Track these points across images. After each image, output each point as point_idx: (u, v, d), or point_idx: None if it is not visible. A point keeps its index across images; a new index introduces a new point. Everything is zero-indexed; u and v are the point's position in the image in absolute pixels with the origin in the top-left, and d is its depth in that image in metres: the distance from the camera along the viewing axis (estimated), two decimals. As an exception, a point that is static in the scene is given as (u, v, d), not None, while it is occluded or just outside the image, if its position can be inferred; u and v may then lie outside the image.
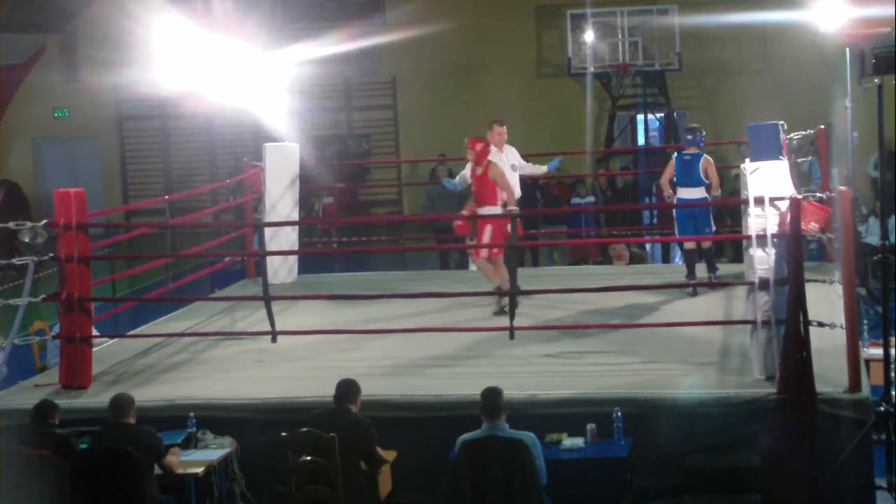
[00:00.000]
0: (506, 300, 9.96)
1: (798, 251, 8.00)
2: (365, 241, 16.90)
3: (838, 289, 8.59)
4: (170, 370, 9.68)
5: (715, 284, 11.37)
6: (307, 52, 19.44)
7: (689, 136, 11.71)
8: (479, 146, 10.72)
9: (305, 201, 16.90)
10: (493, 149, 10.93)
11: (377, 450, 7.48)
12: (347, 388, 7.61)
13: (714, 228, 11.60)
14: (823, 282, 9.49)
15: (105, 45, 21.48)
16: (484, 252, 10.66)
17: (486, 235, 10.58)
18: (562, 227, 18.15)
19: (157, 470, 7.52)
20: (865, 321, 9.52)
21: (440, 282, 12.89)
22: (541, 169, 11.78)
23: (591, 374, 8.83)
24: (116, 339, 10.69)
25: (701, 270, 11.65)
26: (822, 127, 12.94)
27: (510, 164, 11.15)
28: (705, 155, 11.51)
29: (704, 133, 11.76)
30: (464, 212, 11.05)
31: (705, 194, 11.47)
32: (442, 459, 7.37)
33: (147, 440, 7.45)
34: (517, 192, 11.08)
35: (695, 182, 11.46)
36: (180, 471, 7.64)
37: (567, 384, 8.47)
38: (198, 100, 17.64)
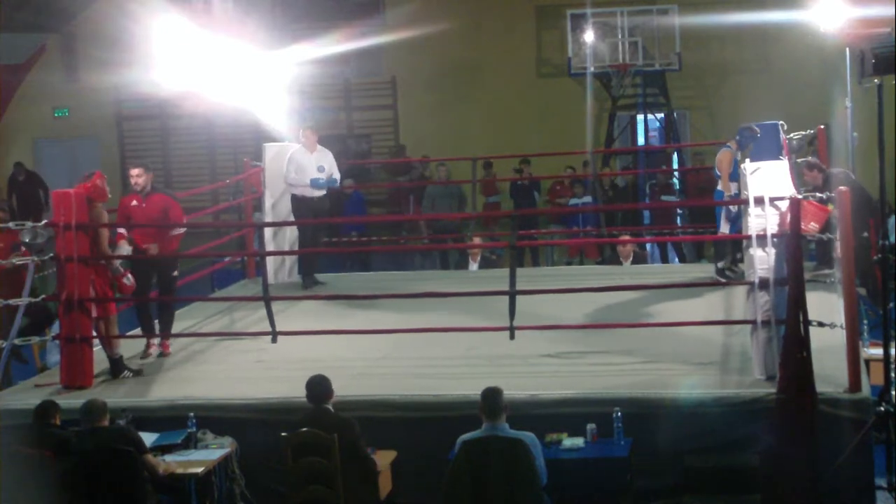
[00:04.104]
0: (126, 372, 9.42)
1: (798, 251, 8.01)
2: (365, 241, 16.90)
3: (838, 289, 8.59)
4: (170, 370, 9.68)
5: (714, 284, 11.38)
6: (307, 52, 19.43)
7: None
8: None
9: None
10: (301, 147, 12.55)
11: (363, 447, 7.43)
12: (321, 388, 7.55)
13: (720, 226, 11.52)
14: (823, 282, 9.49)
15: (105, 45, 21.47)
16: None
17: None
18: (559, 228, 18.14)
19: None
20: (865, 321, 9.52)
21: (440, 282, 12.88)
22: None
23: (591, 374, 8.83)
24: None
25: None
26: (822, 127, 12.94)
27: (318, 166, 12.49)
28: (723, 148, 11.51)
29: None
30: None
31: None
32: (442, 459, 7.36)
33: (132, 437, 7.45)
34: (316, 191, 12.35)
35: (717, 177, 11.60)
36: (179, 471, 7.65)
37: (567, 384, 8.47)
38: (198, 100, 17.62)
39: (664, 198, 16.88)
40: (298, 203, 12.56)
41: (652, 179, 17.85)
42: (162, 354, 10.03)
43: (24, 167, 23.08)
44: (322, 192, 12.66)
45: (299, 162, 12.53)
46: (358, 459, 7.37)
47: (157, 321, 10.15)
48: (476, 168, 16.32)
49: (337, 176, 12.73)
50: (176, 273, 10.09)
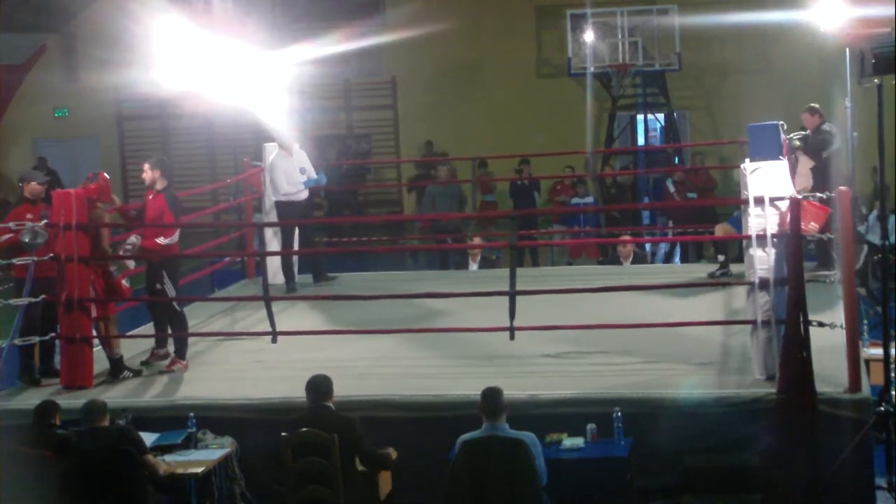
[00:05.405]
0: (127, 372, 9.39)
1: (798, 251, 8.01)
2: (365, 241, 16.90)
3: (838, 289, 8.59)
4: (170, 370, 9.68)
5: (714, 284, 11.39)
6: (307, 52, 19.40)
7: None
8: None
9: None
10: (278, 150, 12.44)
11: (369, 445, 7.42)
12: (322, 386, 7.53)
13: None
14: (823, 282, 9.49)
15: (105, 45, 21.48)
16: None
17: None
18: (560, 228, 18.14)
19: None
20: (865, 321, 9.52)
21: (440, 282, 12.87)
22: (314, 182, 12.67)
23: (591, 374, 8.83)
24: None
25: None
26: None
27: (299, 168, 12.42)
28: None
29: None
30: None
31: None
32: (442, 459, 7.37)
33: (132, 437, 7.45)
34: (302, 195, 12.33)
35: None
36: (179, 471, 7.65)
37: (567, 384, 8.47)
38: (198, 100, 17.61)
39: (690, 195, 16.87)
40: (285, 207, 12.40)
41: (672, 177, 17.81)
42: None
43: (46, 162, 23.12)
44: (306, 194, 12.60)
45: (285, 169, 12.38)
46: (366, 459, 7.37)
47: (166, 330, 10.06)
48: (474, 167, 16.34)
49: (314, 175, 12.60)
50: (160, 286, 9.61)
